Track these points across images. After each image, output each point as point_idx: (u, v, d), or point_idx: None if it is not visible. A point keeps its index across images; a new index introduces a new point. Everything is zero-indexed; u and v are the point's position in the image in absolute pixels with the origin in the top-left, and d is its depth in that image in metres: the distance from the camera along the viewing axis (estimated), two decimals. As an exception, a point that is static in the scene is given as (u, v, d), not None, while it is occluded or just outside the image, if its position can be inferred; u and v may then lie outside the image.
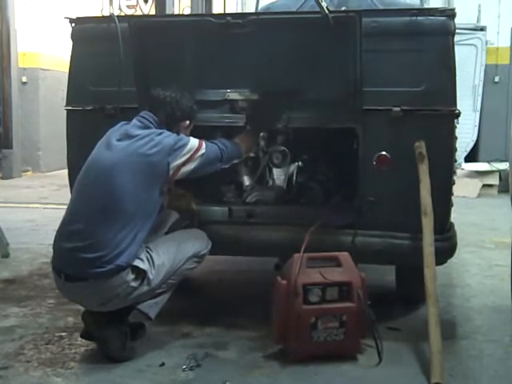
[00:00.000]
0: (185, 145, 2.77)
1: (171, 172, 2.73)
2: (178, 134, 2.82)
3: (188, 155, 2.76)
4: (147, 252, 2.72)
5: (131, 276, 2.65)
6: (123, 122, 2.84)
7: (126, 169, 2.66)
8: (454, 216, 3.08)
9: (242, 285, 3.95)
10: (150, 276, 2.70)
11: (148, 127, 2.78)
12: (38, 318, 3.26)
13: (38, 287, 3.81)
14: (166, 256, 2.77)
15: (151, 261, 2.71)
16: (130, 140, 2.71)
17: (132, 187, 2.65)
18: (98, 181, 2.69)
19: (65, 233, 2.71)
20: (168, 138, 2.75)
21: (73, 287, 2.70)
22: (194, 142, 2.81)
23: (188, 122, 2.92)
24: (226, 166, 2.97)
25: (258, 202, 3.30)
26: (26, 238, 5.09)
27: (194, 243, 2.90)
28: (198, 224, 3.08)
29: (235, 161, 3.05)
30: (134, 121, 2.81)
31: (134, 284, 2.67)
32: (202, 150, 2.81)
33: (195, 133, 2.94)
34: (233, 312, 3.31)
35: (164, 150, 2.70)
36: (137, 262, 2.66)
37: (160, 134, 2.75)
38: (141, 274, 2.68)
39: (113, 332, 2.72)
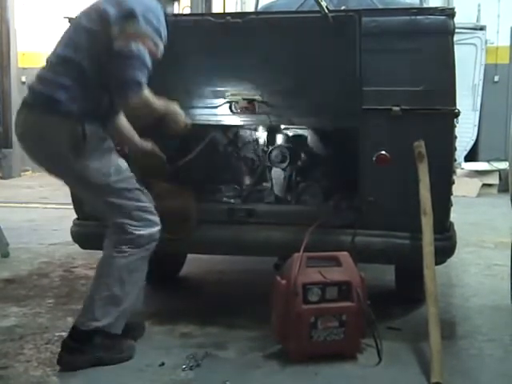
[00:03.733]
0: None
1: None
2: None
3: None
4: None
5: (79, 133, 2.52)
6: None
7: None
8: (454, 215, 3.07)
9: (241, 284, 3.95)
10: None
11: None
12: (38, 317, 3.26)
13: (37, 287, 3.81)
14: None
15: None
16: None
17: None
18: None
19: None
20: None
21: (22, 118, 2.68)
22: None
23: None
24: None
25: (258, 202, 3.30)
26: (26, 237, 5.09)
27: None
28: (195, 224, 3.08)
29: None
30: None
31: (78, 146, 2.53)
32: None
33: (194, 133, 2.94)
34: (232, 312, 3.31)
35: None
36: (89, 123, 2.54)
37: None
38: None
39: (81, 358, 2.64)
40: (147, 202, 2.73)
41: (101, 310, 2.65)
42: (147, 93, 2.56)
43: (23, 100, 2.69)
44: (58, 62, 2.62)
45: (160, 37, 2.58)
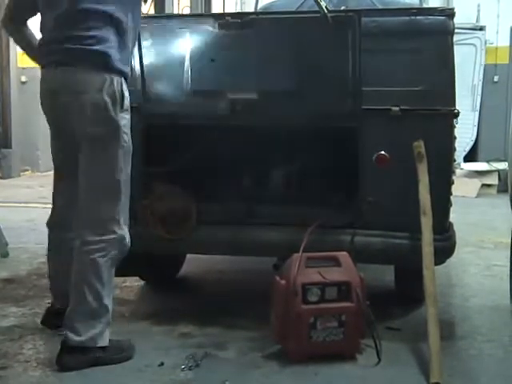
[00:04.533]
0: None
1: None
2: None
3: None
4: None
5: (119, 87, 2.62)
6: None
7: None
8: (453, 216, 3.07)
9: (241, 285, 3.95)
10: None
11: None
12: (37, 317, 3.25)
13: (36, 287, 3.80)
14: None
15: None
16: None
17: None
18: None
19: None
20: None
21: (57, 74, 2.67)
22: None
23: None
24: None
25: (257, 202, 3.29)
26: (25, 237, 5.10)
27: None
28: (195, 224, 3.07)
29: None
30: None
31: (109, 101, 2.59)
32: None
33: (193, 133, 2.94)
34: (232, 312, 3.31)
35: None
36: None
37: None
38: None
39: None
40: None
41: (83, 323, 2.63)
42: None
43: (50, 61, 2.68)
44: (87, 16, 2.60)
45: None
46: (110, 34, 2.60)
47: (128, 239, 2.72)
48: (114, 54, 2.60)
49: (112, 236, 2.65)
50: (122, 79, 2.65)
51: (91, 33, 2.58)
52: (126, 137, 2.67)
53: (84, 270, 2.64)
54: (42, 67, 2.75)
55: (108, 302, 2.67)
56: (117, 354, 2.69)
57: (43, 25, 2.73)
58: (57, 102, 2.68)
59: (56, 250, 2.99)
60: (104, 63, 2.59)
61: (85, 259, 2.64)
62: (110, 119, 2.61)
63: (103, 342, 2.65)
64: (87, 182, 2.67)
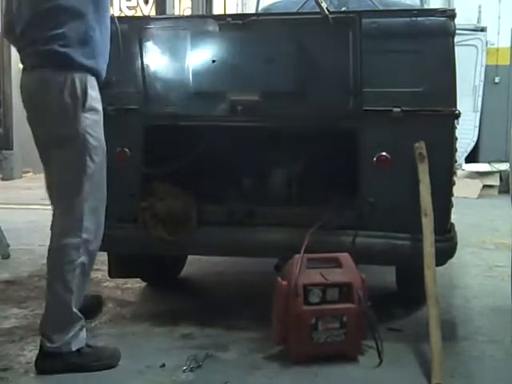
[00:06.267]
0: None
1: None
2: None
3: None
4: None
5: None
6: None
7: None
8: (455, 217, 3.07)
9: (242, 286, 3.95)
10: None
11: None
12: (38, 319, 3.23)
13: (38, 288, 3.80)
14: None
15: None
16: None
17: None
18: None
19: None
20: None
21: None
22: None
23: None
24: None
25: (258, 203, 3.29)
26: (27, 239, 5.10)
27: None
28: (196, 225, 3.07)
29: None
30: None
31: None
32: None
33: (194, 134, 2.94)
34: (233, 313, 3.31)
35: None
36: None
37: None
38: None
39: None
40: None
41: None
42: None
43: (25, 64, 2.67)
44: (49, 15, 2.55)
45: None
46: (69, 30, 2.54)
47: (95, 245, 2.66)
48: (74, 50, 2.53)
49: (76, 240, 2.60)
50: (88, 76, 2.57)
51: (53, 32, 2.53)
52: (92, 138, 2.59)
53: (51, 275, 2.65)
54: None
55: (78, 306, 2.62)
56: (96, 361, 2.64)
57: (17, 30, 2.69)
58: (28, 105, 2.68)
59: None
60: (64, 62, 2.53)
61: (50, 263, 2.67)
62: (71, 121, 2.56)
63: (79, 344, 2.62)
64: (55, 184, 2.69)
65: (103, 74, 2.68)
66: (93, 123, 2.60)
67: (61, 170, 2.64)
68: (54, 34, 2.53)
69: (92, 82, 2.60)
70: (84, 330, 2.66)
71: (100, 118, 2.66)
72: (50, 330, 2.60)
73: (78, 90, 2.55)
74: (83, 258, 2.61)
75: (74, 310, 2.61)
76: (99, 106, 2.65)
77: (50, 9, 2.55)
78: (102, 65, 2.67)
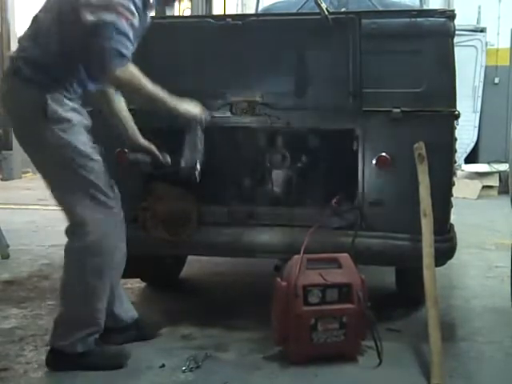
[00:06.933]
0: None
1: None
2: None
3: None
4: None
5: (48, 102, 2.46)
6: None
7: None
8: (454, 217, 3.07)
9: (241, 286, 3.95)
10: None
11: None
12: (38, 319, 3.26)
13: (37, 289, 3.80)
14: None
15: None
16: None
17: None
18: None
19: None
20: None
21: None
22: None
23: None
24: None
25: (258, 204, 3.29)
26: (26, 239, 5.09)
27: None
28: (196, 225, 3.07)
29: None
30: None
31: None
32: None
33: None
34: (233, 313, 3.31)
35: None
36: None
37: None
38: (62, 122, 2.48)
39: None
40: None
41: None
42: (133, 68, 2.44)
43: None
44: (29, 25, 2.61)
45: (134, 4, 2.45)
46: (29, 40, 2.58)
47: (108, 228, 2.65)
48: (34, 61, 2.52)
49: (78, 240, 2.60)
50: (49, 86, 2.50)
51: (24, 42, 2.60)
52: (61, 148, 2.52)
53: (65, 270, 2.66)
54: None
55: (100, 306, 2.64)
56: (103, 360, 2.66)
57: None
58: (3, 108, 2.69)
59: None
60: (24, 73, 2.52)
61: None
62: (32, 132, 2.55)
63: (85, 347, 2.63)
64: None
65: (80, 85, 2.60)
66: (56, 133, 2.51)
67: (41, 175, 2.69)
68: (23, 44, 2.60)
69: (55, 92, 2.51)
70: (95, 334, 2.67)
71: (75, 125, 2.56)
72: (60, 326, 2.63)
73: (39, 102, 2.48)
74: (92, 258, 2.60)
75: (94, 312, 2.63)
76: (72, 115, 2.56)
77: (33, 18, 2.60)
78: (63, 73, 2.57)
